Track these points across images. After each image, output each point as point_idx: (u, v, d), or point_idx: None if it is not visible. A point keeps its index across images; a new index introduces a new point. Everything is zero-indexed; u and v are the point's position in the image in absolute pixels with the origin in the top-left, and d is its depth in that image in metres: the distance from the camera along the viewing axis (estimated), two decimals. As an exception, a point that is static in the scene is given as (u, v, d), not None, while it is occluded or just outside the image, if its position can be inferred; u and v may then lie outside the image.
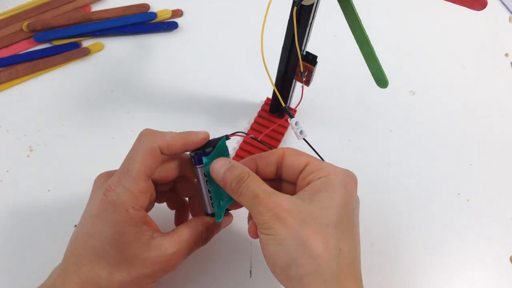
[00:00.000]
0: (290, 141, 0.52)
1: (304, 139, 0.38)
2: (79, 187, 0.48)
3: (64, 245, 0.45)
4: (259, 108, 0.54)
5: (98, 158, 0.50)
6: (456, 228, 0.49)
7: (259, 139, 0.40)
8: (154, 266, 0.33)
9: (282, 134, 0.52)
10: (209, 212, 0.37)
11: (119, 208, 0.33)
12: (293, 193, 0.34)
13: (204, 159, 0.36)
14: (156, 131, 0.35)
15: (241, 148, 0.51)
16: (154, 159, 0.34)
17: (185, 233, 0.35)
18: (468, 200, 0.51)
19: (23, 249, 0.45)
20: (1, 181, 0.48)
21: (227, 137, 0.36)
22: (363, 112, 0.56)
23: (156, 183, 0.38)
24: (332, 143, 0.53)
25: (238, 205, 0.37)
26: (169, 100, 0.55)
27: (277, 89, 0.50)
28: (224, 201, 0.36)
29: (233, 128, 0.53)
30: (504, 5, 0.68)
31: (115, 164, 0.50)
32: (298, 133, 0.37)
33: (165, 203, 0.42)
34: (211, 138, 0.37)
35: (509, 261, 0.47)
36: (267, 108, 0.53)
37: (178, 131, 0.36)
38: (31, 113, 0.53)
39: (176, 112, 0.54)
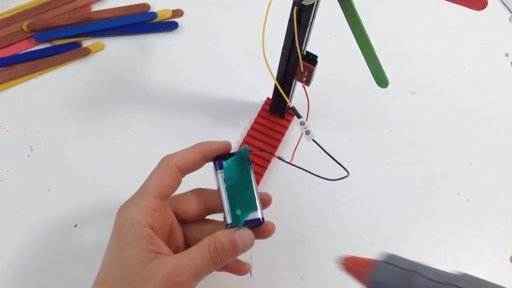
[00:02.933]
0: (290, 141, 0.52)
1: (313, 140, 0.37)
2: (79, 187, 0.48)
3: (64, 245, 0.46)
4: (259, 108, 0.54)
5: (98, 158, 0.50)
6: (456, 228, 0.49)
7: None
8: (155, 283, 0.31)
9: (282, 134, 0.52)
10: (228, 221, 0.35)
11: (126, 221, 0.32)
12: None
13: (225, 163, 0.36)
14: (172, 153, 0.36)
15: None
16: (168, 177, 0.34)
17: (191, 249, 0.33)
18: (468, 200, 0.51)
19: (23, 249, 0.45)
20: (1, 181, 0.48)
21: (248, 149, 0.36)
22: (363, 112, 0.56)
23: (183, 220, 0.37)
24: (332, 143, 0.53)
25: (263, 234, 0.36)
26: (169, 100, 0.55)
27: (278, 89, 0.50)
28: (241, 211, 0.35)
29: (233, 128, 0.53)
30: (504, 5, 0.68)
31: (115, 164, 0.50)
32: (305, 133, 0.36)
33: None
34: (213, 140, 0.37)
35: (509, 261, 0.47)
36: (267, 108, 0.53)
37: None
38: (31, 113, 0.53)
39: (176, 112, 0.54)
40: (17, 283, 0.43)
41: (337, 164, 0.51)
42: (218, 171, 0.36)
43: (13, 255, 0.44)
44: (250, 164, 0.36)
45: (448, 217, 0.50)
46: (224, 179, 0.35)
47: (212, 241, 0.33)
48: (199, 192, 0.38)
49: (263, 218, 0.36)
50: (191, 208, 0.37)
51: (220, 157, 0.36)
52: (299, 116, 0.37)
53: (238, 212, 0.35)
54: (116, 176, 0.49)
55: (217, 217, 0.39)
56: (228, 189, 0.35)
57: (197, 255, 0.32)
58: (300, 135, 0.50)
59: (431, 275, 0.24)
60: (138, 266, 0.31)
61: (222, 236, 0.33)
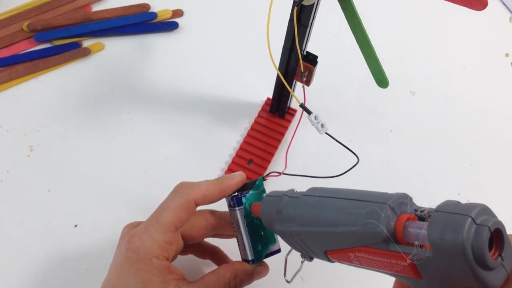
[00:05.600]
0: (290, 141, 0.52)
1: (327, 133, 0.37)
2: (79, 187, 0.48)
3: (63, 245, 0.46)
4: (260, 108, 0.54)
5: (98, 158, 0.50)
6: (456, 228, 0.49)
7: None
8: None
9: (282, 134, 0.52)
10: (250, 258, 0.35)
11: (142, 256, 0.32)
12: None
13: (243, 199, 0.35)
14: (192, 183, 0.35)
15: (241, 148, 0.51)
16: (186, 212, 0.34)
17: (212, 281, 0.33)
18: (468, 200, 0.51)
19: (23, 249, 0.45)
20: (1, 181, 0.48)
21: (263, 178, 0.36)
22: (363, 112, 0.56)
23: (186, 240, 0.37)
24: (332, 144, 0.53)
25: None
26: (169, 100, 0.55)
27: (278, 89, 0.50)
28: (261, 246, 0.35)
29: (233, 128, 0.53)
30: (504, 5, 0.68)
31: (115, 164, 0.50)
32: (320, 127, 0.36)
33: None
34: (231, 176, 0.37)
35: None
36: (268, 108, 0.53)
37: (212, 179, 0.36)
38: (31, 113, 0.53)
39: (176, 112, 0.54)
40: (17, 283, 0.43)
41: (334, 164, 0.51)
42: (237, 208, 0.35)
43: (13, 255, 0.44)
44: (265, 192, 0.36)
45: (448, 217, 0.49)
46: (244, 216, 0.35)
47: (233, 278, 0.34)
48: (208, 217, 0.37)
49: (280, 249, 0.37)
50: (198, 234, 0.37)
51: (234, 193, 0.36)
52: (309, 112, 0.36)
53: (259, 247, 0.35)
54: (116, 176, 0.49)
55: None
56: (248, 225, 0.35)
57: None
58: (290, 140, 0.50)
59: (291, 194, 0.31)
60: None
61: (243, 273, 0.34)
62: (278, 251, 0.37)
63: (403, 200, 0.25)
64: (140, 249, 0.32)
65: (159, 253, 0.32)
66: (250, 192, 0.35)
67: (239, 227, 0.35)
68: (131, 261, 0.32)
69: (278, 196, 0.32)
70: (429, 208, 0.24)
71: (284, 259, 0.34)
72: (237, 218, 0.35)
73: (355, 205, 0.26)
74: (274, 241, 0.36)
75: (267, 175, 0.37)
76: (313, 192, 0.30)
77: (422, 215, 0.24)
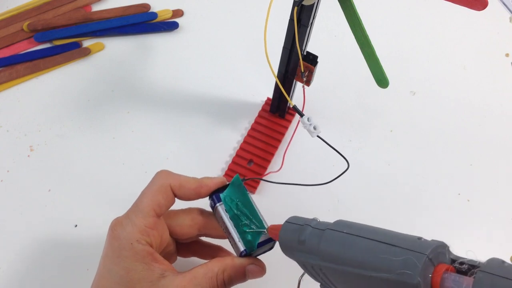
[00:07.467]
0: (290, 140, 0.52)
1: (318, 136, 0.37)
2: (79, 187, 0.48)
3: (63, 245, 0.46)
4: (260, 108, 0.54)
5: (98, 158, 0.50)
6: (456, 228, 0.49)
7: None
8: None
9: (282, 134, 0.52)
10: (242, 248, 0.35)
11: (124, 242, 0.32)
12: None
13: (222, 195, 0.36)
14: (171, 172, 0.36)
15: (241, 148, 0.51)
16: (163, 196, 0.34)
17: (199, 273, 0.33)
18: (468, 200, 0.51)
19: (23, 249, 0.45)
20: (1, 181, 0.48)
21: (242, 178, 0.37)
22: (364, 112, 0.56)
23: (177, 239, 0.37)
24: (332, 144, 0.53)
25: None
26: (169, 100, 0.55)
27: (278, 89, 0.50)
28: (251, 235, 0.35)
29: (233, 128, 0.53)
30: (504, 5, 0.68)
31: (115, 164, 0.50)
32: (312, 129, 0.36)
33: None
34: (210, 177, 0.37)
35: (509, 261, 0.47)
36: (268, 108, 0.53)
37: (191, 175, 0.36)
38: (31, 113, 0.53)
39: (177, 112, 0.54)
40: (17, 283, 0.43)
41: (334, 165, 0.51)
42: (218, 204, 0.36)
43: (13, 255, 0.44)
44: (245, 189, 0.37)
45: (448, 217, 0.49)
46: (225, 210, 0.36)
47: (221, 272, 0.33)
48: (194, 217, 0.37)
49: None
50: (183, 232, 0.37)
51: (214, 191, 0.37)
52: (301, 114, 0.36)
53: (249, 237, 0.35)
54: (116, 176, 0.49)
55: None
56: (232, 218, 0.36)
57: (204, 283, 0.33)
58: (288, 142, 0.50)
59: (315, 225, 0.30)
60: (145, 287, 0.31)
61: (232, 269, 0.34)
62: (271, 239, 0.36)
63: (441, 249, 0.24)
64: (122, 235, 0.32)
65: (140, 237, 0.32)
66: (228, 188, 0.36)
67: (224, 222, 0.36)
68: (114, 248, 0.32)
69: (300, 224, 0.31)
70: (469, 260, 0.23)
71: (297, 280, 0.34)
72: (220, 214, 0.36)
73: (388, 250, 0.25)
74: (263, 227, 0.36)
75: (247, 179, 0.38)
76: (341, 228, 0.29)
77: (461, 268, 0.23)
